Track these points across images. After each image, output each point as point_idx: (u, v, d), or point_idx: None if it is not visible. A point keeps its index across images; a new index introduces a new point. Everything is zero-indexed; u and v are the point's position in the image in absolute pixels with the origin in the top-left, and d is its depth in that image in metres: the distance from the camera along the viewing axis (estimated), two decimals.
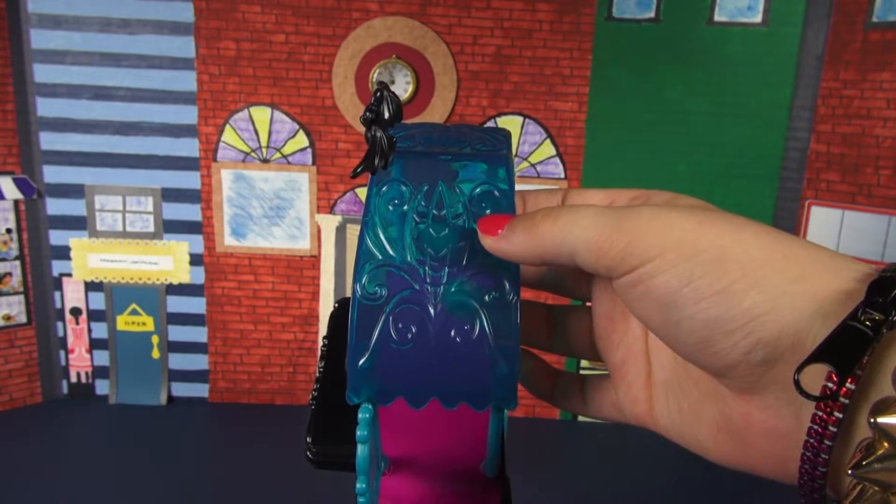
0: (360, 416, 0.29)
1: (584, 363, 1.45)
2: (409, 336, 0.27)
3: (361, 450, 0.29)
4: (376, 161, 0.31)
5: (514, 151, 1.25)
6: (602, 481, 1.25)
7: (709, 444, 0.26)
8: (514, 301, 0.27)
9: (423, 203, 0.30)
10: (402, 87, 1.32)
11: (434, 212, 0.29)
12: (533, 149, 1.36)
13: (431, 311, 0.27)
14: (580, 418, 1.49)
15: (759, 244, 0.23)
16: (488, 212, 0.29)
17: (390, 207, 0.30)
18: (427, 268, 0.28)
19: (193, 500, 1.12)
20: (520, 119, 1.35)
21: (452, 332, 0.27)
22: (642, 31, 1.30)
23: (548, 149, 1.36)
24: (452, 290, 0.27)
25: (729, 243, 0.22)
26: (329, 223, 1.40)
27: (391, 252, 0.28)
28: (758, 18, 1.28)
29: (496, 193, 0.30)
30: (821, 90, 1.28)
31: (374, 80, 1.32)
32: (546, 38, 1.31)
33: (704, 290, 0.22)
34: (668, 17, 1.30)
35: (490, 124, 1.41)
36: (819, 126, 1.29)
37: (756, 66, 1.30)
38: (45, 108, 1.33)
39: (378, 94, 0.32)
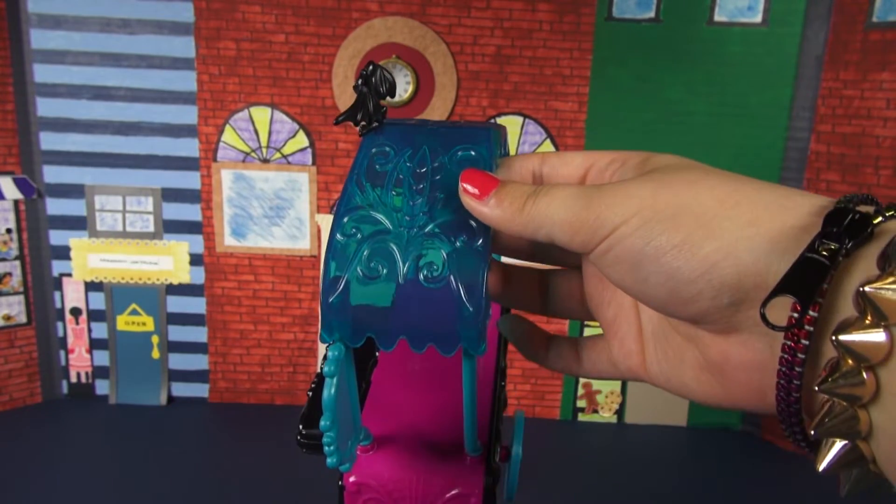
0: (329, 353, 0.29)
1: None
2: (380, 273, 0.28)
3: (328, 384, 0.30)
4: (359, 116, 0.34)
5: (514, 151, 1.25)
6: (602, 481, 1.25)
7: (693, 385, 0.28)
8: (482, 247, 0.28)
9: (406, 163, 0.31)
10: (402, 87, 1.32)
11: (416, 169, 0.31)
12: (533, 149, 1.36)
13: (402, 251, 0.29)
14: (580, 418, 1.49)
15: (713, 196, 0.24)
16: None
17: (376, 167, 0.32)
18: (403, 214, 0.30)
19: (193, 500, 1.12)
20: (520, 119, 1.35)
21: (422, 275, 0.28)
22: (642, 31, 1.30)
23: (548, 149, 1.36)
24: (425, 233, 0.29)
25: (684, 200, 0.24)
26: (329, 223, 1.40)
27: (371, 200, 0.30)
28: (758, 18, 1.28)
29: (474, 155, 0.31)
30: (821, 90, 1.28)
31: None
32: (546, 38, 1.31)
33: (664, 245, 0.24)
34: (668, 17, 1.30)
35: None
36: (819, 126, 1.29)
37: (756, 66, 1.30)
38: (45, 108, 1.33)
39: (371, 66, 0.34)
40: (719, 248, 0.23)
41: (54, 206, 1.37)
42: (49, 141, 1.34)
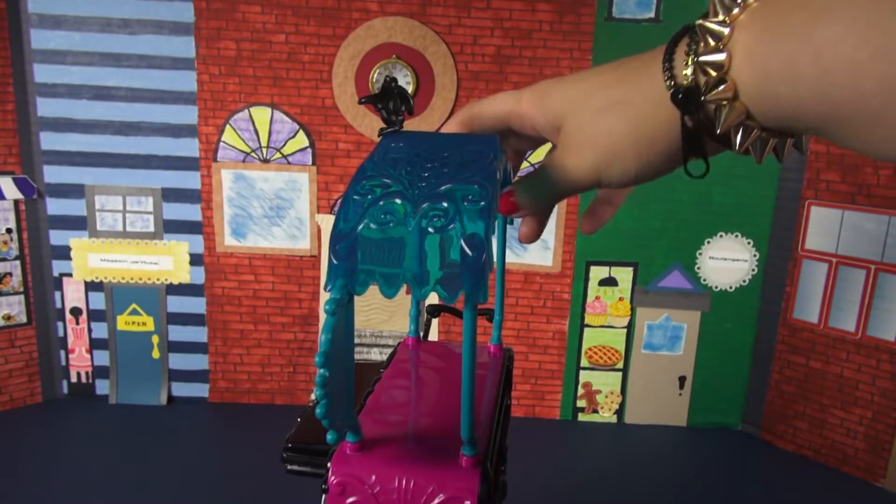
0: (332, 295, 0.31)
1: (584, 363, 1.45)
2: (389, 224, 0.31)
3: (328, 323, 0.31)
4: (379, 106, 0.39)
5: None
6: (602, 481, 1.25)
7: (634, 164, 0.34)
8: (486, 207, 0.32)
9: (418, 153, 0.35)
10: (402, 87, 1.32)
11: (426, 157, 0.35)
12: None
13: (411, 207, 0.32)
14: (580, 418, 1.49)
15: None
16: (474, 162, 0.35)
17: (391, 155, 0.36)
18: (414, 181, 0.33)
19: (193, 500, 1.12)
20: None
21: (430, 227, 0.31)
22: (642, 31, 1.31)
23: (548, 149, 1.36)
24: (433, 193, 0.32)
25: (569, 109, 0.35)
26: (329, 223, 1.40)
27: (383, 172, 0.34)
28: None
29: (481, 149, 0.36)
30: None
31: (373, 80, 1.32)
32: (546, 38, 1.31)
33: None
34: (668, 17, 1.30)
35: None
36: None
37: None
38: (45, 108, 1.33)
39: (394, 80, 0.42)
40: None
41: (54, 206, 1.38)
42: (49, 141, 1.34)
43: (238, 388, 1.48)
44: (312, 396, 1.48)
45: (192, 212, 1.39)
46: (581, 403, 1.48)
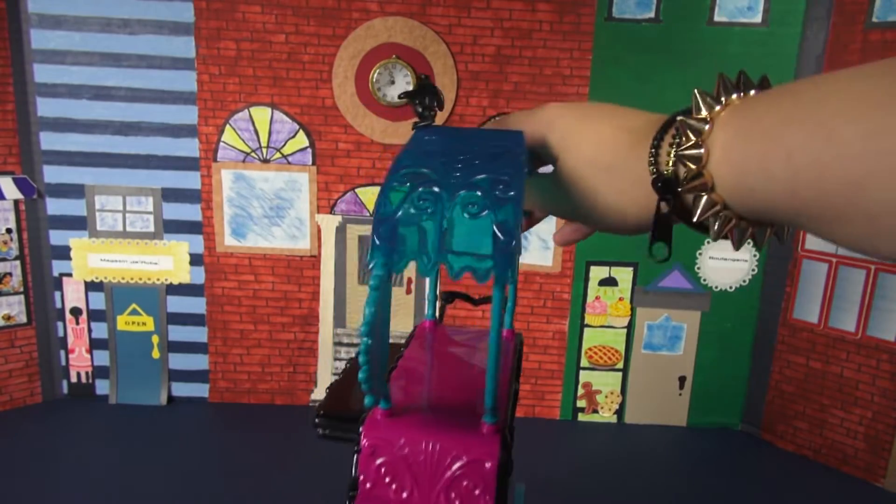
0: (374, 272, 0.35)
1: (584, 363, 1.45)
2: (426, 209, 0.35)
3: (372, 296, 0.35)
4: (415, 103, 0.44)
5: None
6: (602, 481, 1.25)
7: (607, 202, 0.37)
8: (516, 196, 0.34)
9: (449, 147, 0.39)
10: (402, 87, 1.32)
11: (458, 150, 0.38)
12: None
13: (448, 194, 0.35)
14: (580, 418, 1.49)
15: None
16: (502, 153, 0.38)
17: (425, 147, 0.39)
18: (448, 172, 0.36)
19: (193, 500, 1.12)
20: None
21: (466, 213, 0.35)
22: (642, 31, 1.30)
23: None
24: (467, 182, 0.36)
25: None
26: (329, 223, 1.40)
27: (419, 163, 0.37)
28: (758, 18, 1.28)
29: (508, 145, 0.39)
30: None
31: (373, 80, 1.32)
32: (546, 38, 1.31)
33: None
34: (668, 17, 1.30)
35: (490, 125, 1.40)
36: None
37: (756, 66, 1.30)
38: (45, 108, 1.33)
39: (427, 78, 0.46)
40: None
41: (54, 206, 1.38)
42: (49, 141, 1.34)
43: (238, 388, 1.48)
44: (312, 397, 1.49)
45: (192, 212, 1.39)
46: (581, 403, 1.48)
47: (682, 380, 1.46)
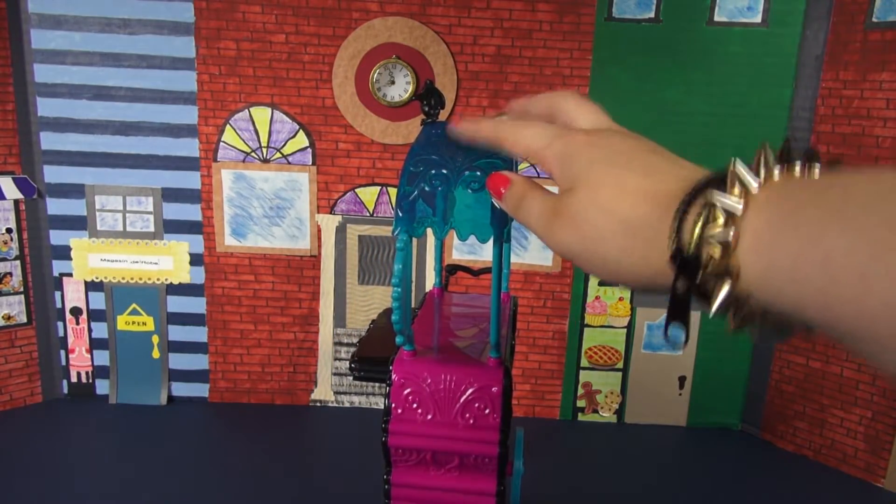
0: (400, 237, 0.46)
1: (584, 363, 1.45)
2: (438, 187, 0.45)
3: (399, 256, 0.46)
4: (422, 103, 0.54)
5: None
6: (602, 481, 1.25)
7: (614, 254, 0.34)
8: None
9: (453, 142, 0.45)
10: (402, 87, 1.32)
11: (458, 144, 0.45)
12: None
13: (454, 175, 0.44)
14: (580, 418, 1.49)
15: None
16: (497, 161, 0.46)
17: (432, 139, 0.48)
18: (452, 158, 0.45)
19: (193, 500, 1.12)
20: None
21: (469, 189, 0.44)
22: (642, 31, 1.30)
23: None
24: (469, 166, 0.44)
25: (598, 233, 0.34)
26: (329, 223, 1.40)
27: (428, 151, 0.46)
28: (758, 18, 1.28)
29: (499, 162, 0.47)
30: (821, 90, 1.28)
31: (373, 80, 1.32)
32: (546, 38, 1.31)
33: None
34: (668, 17, 1.30)
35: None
36: (819, 126, 1.29)
37: (756, 66, 1.30)
38: (45, 108, 1.33)
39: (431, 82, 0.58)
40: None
41: (54, 206, 1.38)
42: (49, 141, 1.34)
43: (238, 388, 1.48)
44: (312, 397, 1.49)
45: (192, 212, 1.39)
46: (581, 403, 1.48)
47: (681, 380, 1.46)
